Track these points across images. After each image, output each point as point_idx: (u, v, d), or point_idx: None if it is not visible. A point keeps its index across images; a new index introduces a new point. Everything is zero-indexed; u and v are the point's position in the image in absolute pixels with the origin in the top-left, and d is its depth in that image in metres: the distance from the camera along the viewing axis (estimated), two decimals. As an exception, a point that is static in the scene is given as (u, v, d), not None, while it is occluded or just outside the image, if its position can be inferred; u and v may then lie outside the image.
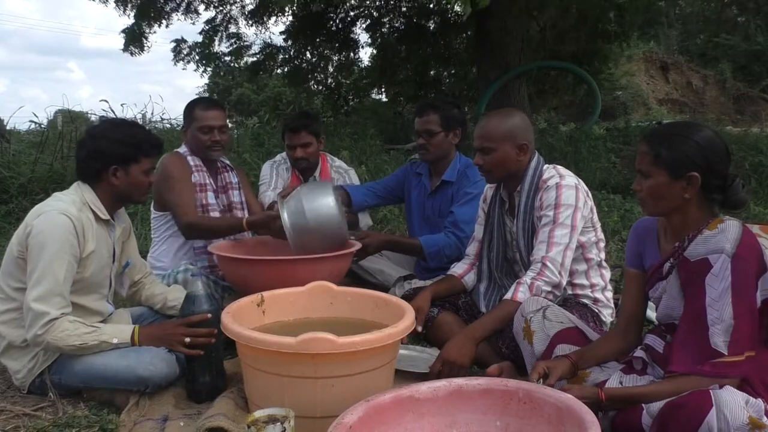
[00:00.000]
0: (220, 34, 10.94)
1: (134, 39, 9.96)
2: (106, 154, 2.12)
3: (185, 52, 11.00)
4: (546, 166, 2.36)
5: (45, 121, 7.68)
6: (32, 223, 2.02)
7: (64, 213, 2.02)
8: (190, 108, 2.90)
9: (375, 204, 3.38)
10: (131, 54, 10.05)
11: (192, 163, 2.87)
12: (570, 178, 2.29)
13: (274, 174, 3.39)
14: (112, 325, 2.15)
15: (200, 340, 2.03)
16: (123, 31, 9.96)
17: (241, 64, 12.04)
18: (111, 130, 2.19)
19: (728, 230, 1.56)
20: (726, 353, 1.50)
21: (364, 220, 3.38)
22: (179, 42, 10.94)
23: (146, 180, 2.20)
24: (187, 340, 2.03)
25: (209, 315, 2.04)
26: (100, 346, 2.04)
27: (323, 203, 2.57)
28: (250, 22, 10.84)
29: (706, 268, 1.55)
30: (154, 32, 10.16)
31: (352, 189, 3.24)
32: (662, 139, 1.64)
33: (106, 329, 2.06)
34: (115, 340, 2.05)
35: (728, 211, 1.67)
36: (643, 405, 1.51)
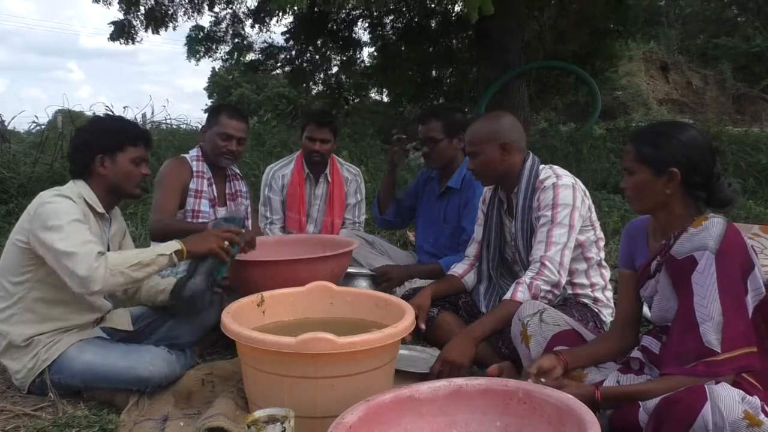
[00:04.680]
0: (221, 29, 10.95)
1: (121, 32, 9.89)
2: (90, 144, 2.17)
3: (195, 46, 10.98)
4: (542, 166, 2.36)
5: (44, 122, 7.68)
6: (37, 207, 2.03)
7: (68, 197, 2.07)
8: (217, 111, 2.95)
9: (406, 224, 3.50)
10: (120, 43, 9.97)
11: (195, 169, 2.89)
12: (567, 178, 2.30)
13: (268, 206, 3.42)
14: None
15: (234, 240, 2.19)
16: (112, 23, 9.85)
17: (242, 62, 12.06)
18: (95, 122, 2.31)
19: (712, 227, 1.58)
20: (719, 351, 1.50)
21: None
22: (192, 37, 10.91)
23: (136, 170, 2.21)
24: (226, 243, 2.15)
25: (243, 230, 2.27)
26: (157, 261, 2.04)
27: None
28: (252, 22, 10.86)
29: (692, 266, 1.57)
30: (144, 28, 10.05)
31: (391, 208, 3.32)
32: (646, 137, 1.69)
33: (154, 248, 2.09)
34: (169, 251, 2.07)
35: (717, 210, 1.69)
36: (639, 402, 1.52)
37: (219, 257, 2.16)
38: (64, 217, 1.99)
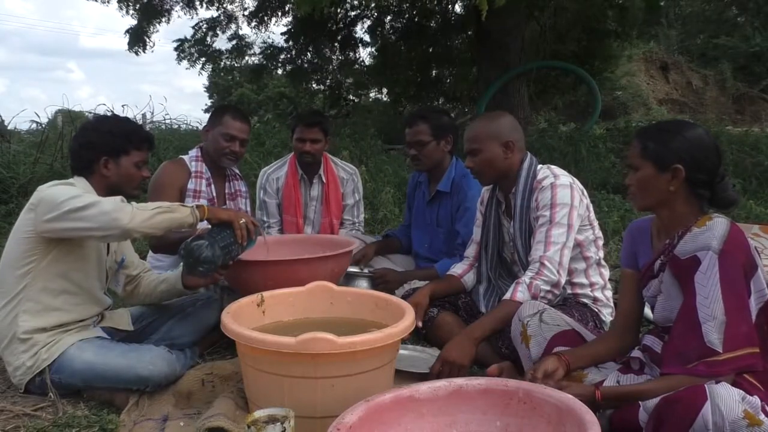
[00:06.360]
0: (218, 30, 10.97)
1: (138, 39, 9.98)
2: (96, 144, 2.18)
3: (187, 50, 11.03)
4: (540, 166, 2.37)
5: (45, 122, 7.68)
6: (39, 197, 2.04)
7: (67, 183, 2.09)
8: (221, 111, 2.97)
9: None
10: (136, 53, 10.08)
11: (193, 170, 2.89)
12: (564, 178, 2.30)
13: (265, 210, 3.42)
14: None
15: (251, 227, 2.23)
16: (127, 32, 9.99)
17: (242, 64, 12.07)
18: (101, 122, 2.29)
19: (715, 227, 1.58)
20: (721, 350, 1.50)
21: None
22: (183, 41, 10.97)
23: (137, 173, 2.24)
24: (242, 221, 2.19)
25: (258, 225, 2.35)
26: (178, 209, 2.07)
27: None
28: (251, 22, 10.87)
29: (695, 266, 1.57)
30: (156, 31, 10.19)
31: (400, 234, 3.32)
32: (652, 134, 1.70)
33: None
34: (191, 204, 2.12)
35: (720, 210, 1.69)
36: (639, 402, 1.52)
37: (235, 229, 2.19)
38: (72, 191, 2.01)
